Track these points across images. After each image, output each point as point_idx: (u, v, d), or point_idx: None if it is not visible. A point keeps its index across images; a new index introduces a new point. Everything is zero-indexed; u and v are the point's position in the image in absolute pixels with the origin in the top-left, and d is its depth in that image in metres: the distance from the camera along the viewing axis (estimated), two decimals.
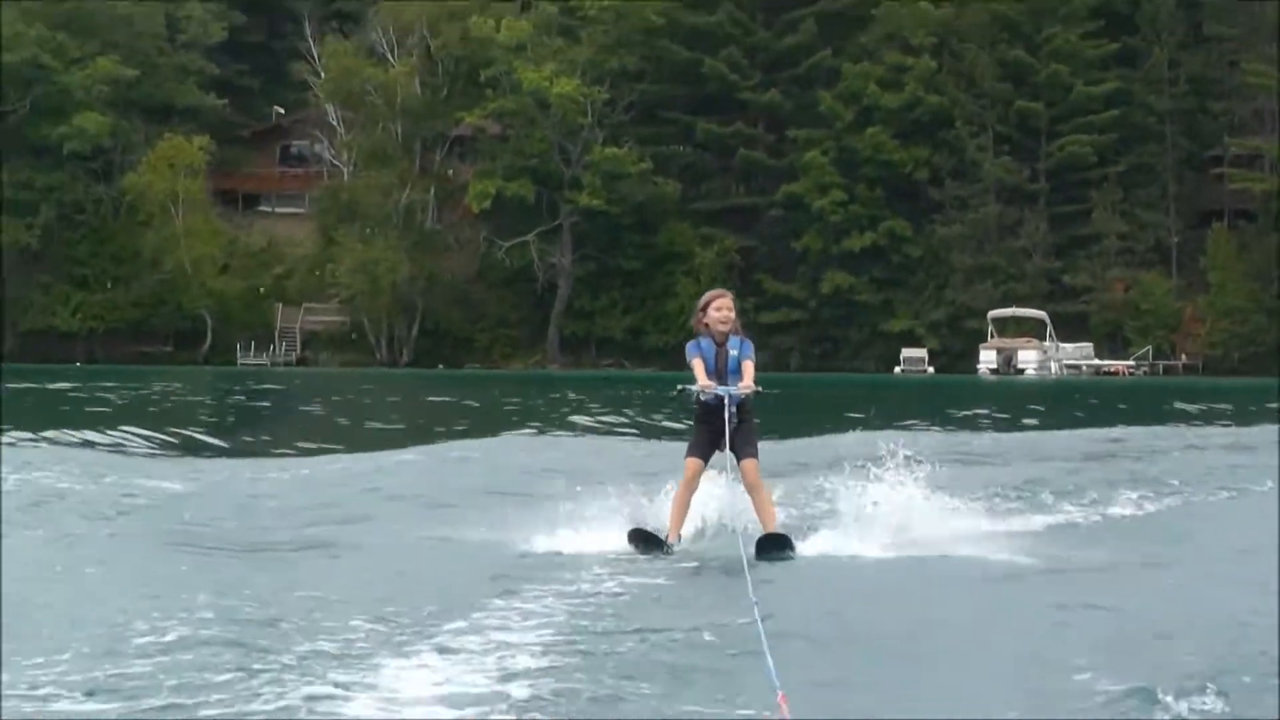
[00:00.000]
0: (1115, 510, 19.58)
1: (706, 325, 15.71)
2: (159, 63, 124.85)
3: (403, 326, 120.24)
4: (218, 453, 30.25)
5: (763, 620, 10.62)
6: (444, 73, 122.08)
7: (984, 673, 10.27)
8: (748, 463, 15.42)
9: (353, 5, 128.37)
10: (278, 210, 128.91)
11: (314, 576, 13.71)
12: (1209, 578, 14.21)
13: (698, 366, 15.51)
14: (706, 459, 15.69)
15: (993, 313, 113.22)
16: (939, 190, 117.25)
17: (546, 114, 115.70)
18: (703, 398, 15.59)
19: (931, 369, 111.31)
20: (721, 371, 15.56)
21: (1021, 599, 12.88)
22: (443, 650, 10.38)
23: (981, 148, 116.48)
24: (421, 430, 37.86)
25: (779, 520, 15.67)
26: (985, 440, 32.33)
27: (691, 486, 15.65)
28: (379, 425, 41.91)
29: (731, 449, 15.48)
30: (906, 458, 16.37)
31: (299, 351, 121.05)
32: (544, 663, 10.06)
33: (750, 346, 15.71)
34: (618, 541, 15.45)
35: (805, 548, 15.29)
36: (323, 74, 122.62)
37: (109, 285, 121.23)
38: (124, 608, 11.64)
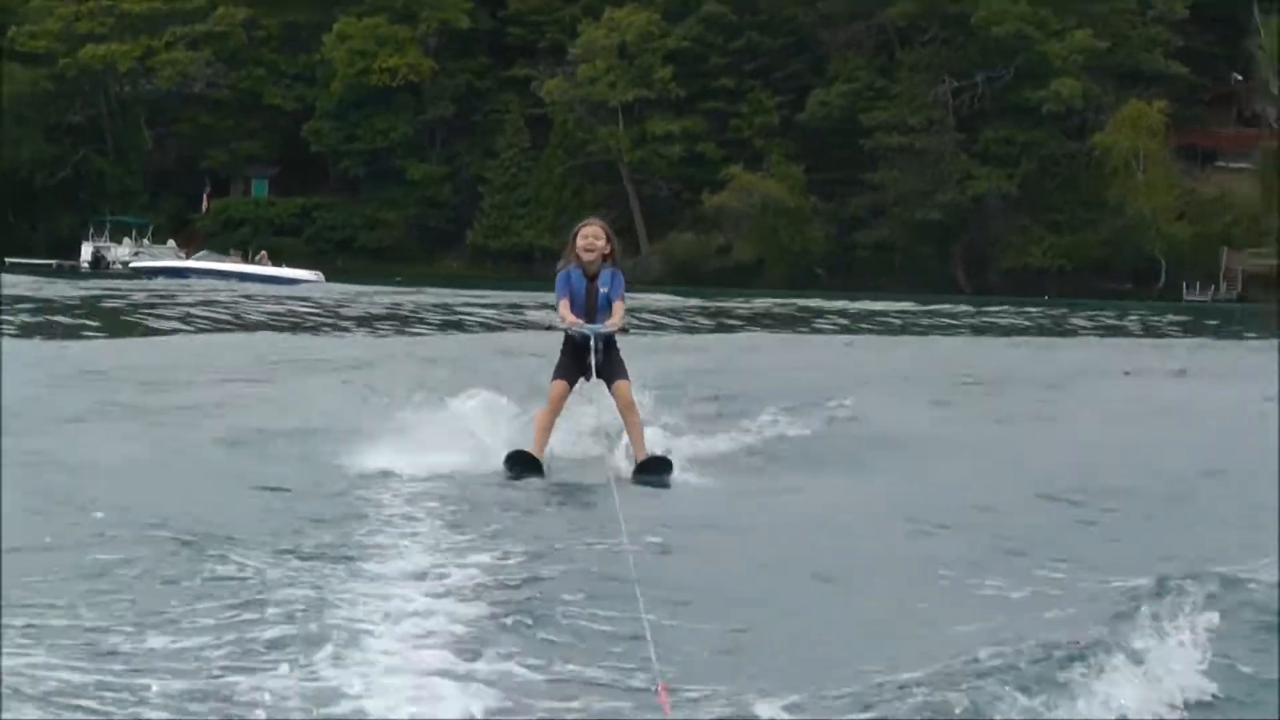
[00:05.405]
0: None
1: (577, 256, 15.24)
2: (1129, 35, 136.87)
3: None
4: None
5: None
6: None
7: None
8: (620, 384, 15.13)
9: None
10: (1231, 165, 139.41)
11: None
12: None
13: (563, 306, 15.13)
14: (572, 383, 15.32)
15: None
16: None
17: None
18: (570, 333, 15.23)
19: None
20: (591, 308, 15.14)
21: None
22: None
23: None
24: None
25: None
26: None
27: (556, 408, 15.27)
28: None
29: (601, 376, 15.18)
30: None
31: (1240, 290, 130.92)
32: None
33: (621, 281, 15.30)
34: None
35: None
36: (1264, 48, 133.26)
37: (1078, 229, 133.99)
38: None
